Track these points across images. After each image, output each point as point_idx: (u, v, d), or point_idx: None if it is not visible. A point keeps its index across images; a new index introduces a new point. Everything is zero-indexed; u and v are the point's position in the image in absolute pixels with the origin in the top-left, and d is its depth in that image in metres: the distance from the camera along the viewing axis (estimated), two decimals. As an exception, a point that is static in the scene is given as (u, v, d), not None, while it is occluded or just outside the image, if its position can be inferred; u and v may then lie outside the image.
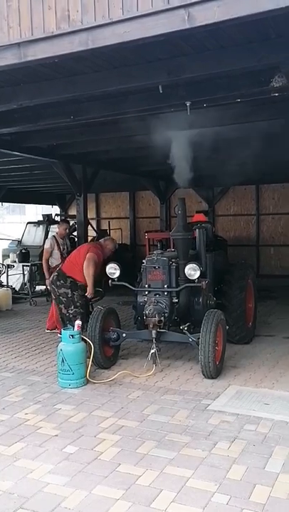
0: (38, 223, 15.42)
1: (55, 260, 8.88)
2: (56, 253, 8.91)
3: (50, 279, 7.65)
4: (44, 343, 7.96)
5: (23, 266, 12.64)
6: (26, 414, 4.94)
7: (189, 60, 4.28)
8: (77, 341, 5.78)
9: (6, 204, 22.20)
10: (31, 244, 14.28)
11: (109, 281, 6.88)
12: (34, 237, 14.97)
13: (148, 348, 6.32)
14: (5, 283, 12.31)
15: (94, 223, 16.47)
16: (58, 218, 15.90)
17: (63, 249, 9.00)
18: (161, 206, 15.21)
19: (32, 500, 3.39)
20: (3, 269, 12.51)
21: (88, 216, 11.38)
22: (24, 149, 8.30)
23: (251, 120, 6.36)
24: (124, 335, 6.57)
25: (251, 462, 3.86)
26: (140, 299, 6.62)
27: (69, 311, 7.24)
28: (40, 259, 10.21)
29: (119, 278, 6.70)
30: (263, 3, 2.94)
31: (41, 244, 13.44)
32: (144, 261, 6.74)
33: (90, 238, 10.16)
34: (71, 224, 11.94)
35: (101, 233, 13.66)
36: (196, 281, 6.30)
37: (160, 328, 6.12)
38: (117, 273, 6.75)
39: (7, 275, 12.49)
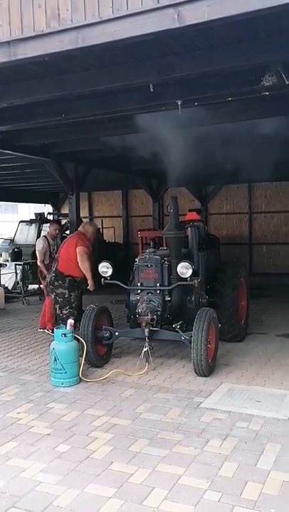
0: (30, 222, 15.40)
1: (45, 261, 8.93)
2: (46, 254, 8.95)
3: (48, 279, 7.57)
4: (37, 342, 7.96)
5: (15, 265, 12.61)
6: (18, 413, 4.94)
7: (179, 58, 4.28)
8: (69, 340, 5.78)
9: (-2, 203, 22.13)
10: (24, 243, 14.27)
11: (102, 279, 6.89)
12: (27, 236, 14.95)
13: (141, 346, 6.34)
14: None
15: (87, 222, 16.44)
16: (50, 217, 15.88)
17: (53, 249, 8.97)
18: (154, 205, 15.22)
19: (24, 499, 3.39)
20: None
21: (81, 215, 11.35)
22: (16, 148, 8.27)
23: (242, 119, 6.36)
24: (116, 333, 6.59)
25: (243, 459, 3.88)
26: (133, 297, 6.63)
27: (63, 312, 7.21)
28: (33, 258, 10.21)
29: (111, 276, 6.71)
30: (252, 2, 2.94)
31: (34, 243, 13.41)
32: (136, 259, 6.76)
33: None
34: (64, 223, 11.93)
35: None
36: (188, 279, 6.32)
37: (153, 327, 6.14)
38: (110, 272, 6.75)
39: (-1, 274, 12.47)
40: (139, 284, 6.58)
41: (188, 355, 6.17)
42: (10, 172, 11.82)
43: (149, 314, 6.08)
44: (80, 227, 7.90)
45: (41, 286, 9.32)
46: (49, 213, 16.75)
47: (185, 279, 6.33)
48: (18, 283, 12.41)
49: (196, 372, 5.89)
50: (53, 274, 7.39)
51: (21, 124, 6.45)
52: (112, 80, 4.68)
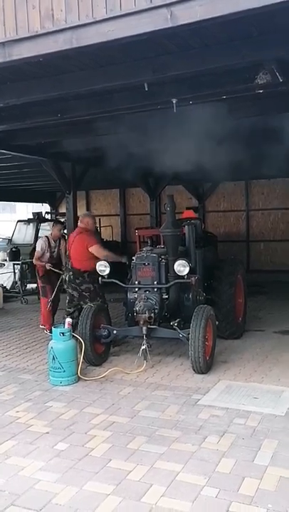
0: (28, 221, 15.39)
1: (44, 262, 8.61)
2: (46, 255, 8.61)
3: (65, 278, 7.51)
4: (35, 341, 7.98)
5: (13, 264, 12.62)
6: (17, 412, 4.97)
7: (174, 58, 4.30)
8: (67, 339, 5.80)
9: (-4, 202, 22.12)
10: (22, 243, 14.25)
11: (100, 278, 6.91)
12: (24, 235, 14.93)
13: (139, 344, 6.36)
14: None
15: (84, 221, 16.45)
16: (48, 216, 15.87)
17: (53, 251, 8.67)
18: (151, 203, 15.22)
19: (23, 497, 3.42)
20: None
21: (78, 213, 11.35)
22: (13, 147, 8.28)
23: (238, 116, 6.38)
24: (114, 332, 6.61)
25: (240, 455, 3.91)
26: (130, 295, 6.66)
27: (73, 310, 7.30)
28: (31, 257, 10.17)
29: (109, 275, 6.74)
30: (244, 1, 2.97)
31: (32, 242, 13.42)
32: (133, 258, 6.78)
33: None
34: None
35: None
36: (185, 277, 6.34)
37: (150, 325, 6.16)
38: (107, 270, 6.78)
39: (-3, 274, 12.49)
40: (136, 283, 6.60)
41: (186, 353, 6.20)
42: (7, 172, 11.83)
43: (146, 312, 6.11)
44: (79, 222, 7.89)
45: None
46: (47, 212, 16.75)
47: (182, 277, 6.36)
48: (16, 282, 12.43)
49: (193, 370, 5.92)
50: (70, 273, 7.37)
51: (17, 123, 6.47)
52: (107, 79, 4.70)
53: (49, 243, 8.73)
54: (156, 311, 6.26)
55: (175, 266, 6.35)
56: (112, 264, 6.75)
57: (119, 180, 13.83)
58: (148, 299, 6.34)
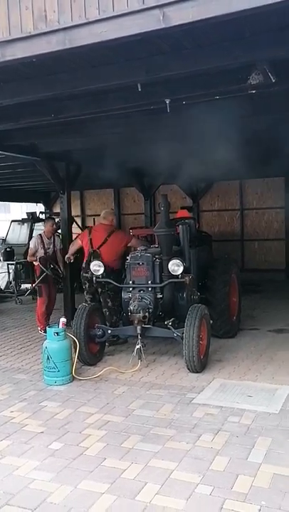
0: (22, 221, 15.36)
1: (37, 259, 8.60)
2: (40, 253, 8.59)
3: (92, 276, 7.26)
4: (30, 341, 7.98)
5: (7, 264, 12.60)
6: (12, 412, 4.98)
7: (167, 58, 4.31)
8: (62, 339, 5.81)
9: (-10, 202, 22.05)
10: (16, 243, 14.23)
11: (94, 278, 6.92)
12: (19, 235, 14.91)
13: (133, 343, 6.38)
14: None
15: (79, 220, 16.45)
16: (42, 216, 15.84)
17: (48, 248, 8.67)
18: (146, 202, 15.22)
19: (18, 496, 3.43)
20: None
21: (73, 213, 11.35)
22: (6, 147, 8.26)
23: (231, 117, 6.40)
24: (109, 331, 6.62)
25: (234, 453, 3.94)
26: (125, 295, 6.67)
27: (115, 304, 7.18)
28: (25, 257, 10.16)
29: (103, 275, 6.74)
30: (236, 3, 2.98)
31: (26, 242, 13.38)
32: (128, 257, 6.80)
33: (74, 235, 10.10)
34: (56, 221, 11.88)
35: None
36: (179, 276, 6.37)
37: (145, 324, 6.18)
38: (102, 270, 6.80)
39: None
40: (130, 282, 6.62)
41: (180, 352, 6.22)
42: (1, 172, 11.79)
43: (141, 312, 6.13)
44: (102, 219, 7.86)
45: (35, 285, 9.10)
46: (41, 212, 16.70)
47: (176, 276, 6.39)
48: (10, 282, 12.41)
49: (188, 369, 5.95)
50: (103, 271, 7.02)
51: (11, 123, 6.45)
52: (100, 80, 4.70)
53: (42, 240, 8.72)
54: (150, 310, 6.28)
55: (169, 265, 6.38)
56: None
57: (113, 179, 13.83)
58: (142, 298, 6.36)
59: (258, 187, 14.89)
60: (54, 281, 8.78)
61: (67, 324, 6.19)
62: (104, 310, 7.24)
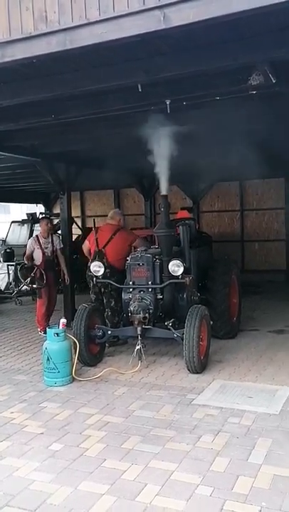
0: (22, 222, 15.36)
1: (36, 261, 8.52)
2: (38, 253, 8.51)
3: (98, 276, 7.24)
4: (30, 342, 7.98)
5: (7, 265, 12.59)
6: (12, 413, 4.97)
7: (167, 59, 4.30)
8: (62, 339, 5.81)
9: (-10, 203, 22.05)
10: (16, 244, 14.22)
11: (94, 279, 6.92)
12: (19, 236, 14.90)
13: (133, 344, 6.37)
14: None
15: (79, 221, 16.45)
16: (42, 217, 15.82)
17: (46, 247, 8.58)
18: (146, 203, 15.24)
19: (18, 497, 3.42)
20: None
21: (73, 214, 11.35)
22: (6, 148, 8.26)
23: (232, 118, 6.40)
24: (109, 332, 6.62)
25: (234, 454, 3.94)
26: (125, 296, 6.67)
27: (118, 305, 7.14)
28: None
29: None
30: (236, 4, 2.98)
31: (26, 243, 13.38)
32: (128, 258, 6.79)
33: (74, 236, 10.10)
34: (55, 222, 11.88)
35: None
36: (179, 277, 6.37)
37: (145, 325, 6.18)
38: (102, 271, 6.80)
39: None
40: (131, 283, 6.62)
41: (180, 353, 6.22)
42: (1, 172, 11.80)
43: (141, 312, 6.13)
44: (109, 219, 7.83)
45: (34, 286, 9.03)
46: (41, 213, 16.69)
47: (176, 277, 6.39)
48: (10, 283, 12.41)
49: (188, 370, 5.94)
50: (108, 271, 7.10)
51: (11, 124, 6.45)
52: (101, 80, 4.70)
53: (38, 241, 8.63)
54: (150, 311, 6.27)
55: (169, 266, 6.38)
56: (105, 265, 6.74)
57: (113, 180, 13.84)
58: (142, 299, 6.36)
59: (258, 188, 14.88)
60: (55, 282, 8.77)
61: (68, 325, 6.19)
62: (106, 310, 7.24)
